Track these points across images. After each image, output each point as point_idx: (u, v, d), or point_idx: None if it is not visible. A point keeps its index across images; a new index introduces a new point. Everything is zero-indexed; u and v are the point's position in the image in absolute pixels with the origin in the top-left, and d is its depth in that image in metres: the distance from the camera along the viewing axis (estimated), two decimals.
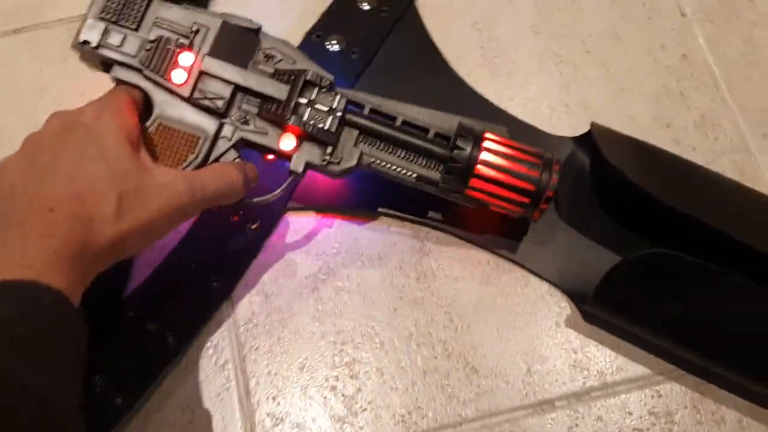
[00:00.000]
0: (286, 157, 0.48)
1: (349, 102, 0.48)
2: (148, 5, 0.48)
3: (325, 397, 0.50)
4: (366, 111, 0.49)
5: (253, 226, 0.54)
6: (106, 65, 0.48)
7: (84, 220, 0.39)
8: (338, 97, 0.47)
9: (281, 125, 0.48)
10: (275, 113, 0.47)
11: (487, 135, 0.47)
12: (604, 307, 0.50)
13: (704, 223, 0.46)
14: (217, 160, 0.47)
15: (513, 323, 0.52)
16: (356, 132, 0.48)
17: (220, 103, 0.47)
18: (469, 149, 0.47)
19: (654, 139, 0.57)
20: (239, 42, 0.48)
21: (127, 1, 0.47)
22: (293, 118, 0.47)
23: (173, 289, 0.52)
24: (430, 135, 0.49)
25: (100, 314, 0.47)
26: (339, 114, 0.47)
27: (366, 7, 0.61)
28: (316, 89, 0.47)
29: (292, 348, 0.51)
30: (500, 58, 0.60)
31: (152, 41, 0.47)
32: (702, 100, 0.58)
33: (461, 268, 0.53)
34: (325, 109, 0.47)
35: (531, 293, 0.53)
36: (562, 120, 0.58)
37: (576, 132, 0.56)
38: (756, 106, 0.58)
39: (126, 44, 0.47)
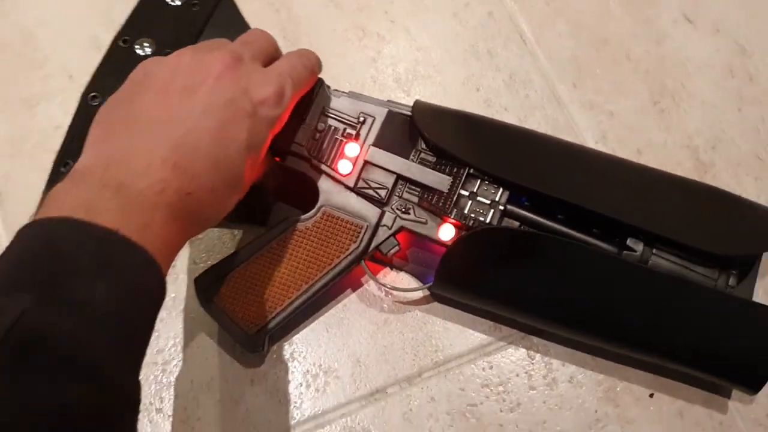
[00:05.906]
0: (445, 246, 0.47)
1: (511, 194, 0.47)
2: (316, 94, 0.48)
3: None
4: (525, 202, 0.48)
5: None
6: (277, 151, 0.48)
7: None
8: (501, 190, 0.47)
9: (441, 216, 0.47)
10: (436, 205, 0.47)
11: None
12: (447, 287, 0.49)
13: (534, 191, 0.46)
14: (377, 248, 0.47)
15: (340, 315, 0.50)
16: (517, 224, 0.47)
17: (382, 193, 0.47)
18: (640, 250, 0.46)
19: (466, 104, 0.55)
20: (403, 130, 0.48)
21: None
22: (454, 211, 0.46)
23: None
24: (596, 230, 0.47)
25: None
26: (501, 208, 0.46)
27: (176, 2, 0.57)
28: (479, 181, 0.47)
29: None
30: (303, 38, 0.57)
31: (320, 131, 0.47)
32: (511, 57, 0.57)
33: None
34: (487, 202, 0.47)
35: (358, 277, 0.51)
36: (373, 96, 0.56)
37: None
38: (564, 55, 0.57)
39: (297, 134, 0.48)
